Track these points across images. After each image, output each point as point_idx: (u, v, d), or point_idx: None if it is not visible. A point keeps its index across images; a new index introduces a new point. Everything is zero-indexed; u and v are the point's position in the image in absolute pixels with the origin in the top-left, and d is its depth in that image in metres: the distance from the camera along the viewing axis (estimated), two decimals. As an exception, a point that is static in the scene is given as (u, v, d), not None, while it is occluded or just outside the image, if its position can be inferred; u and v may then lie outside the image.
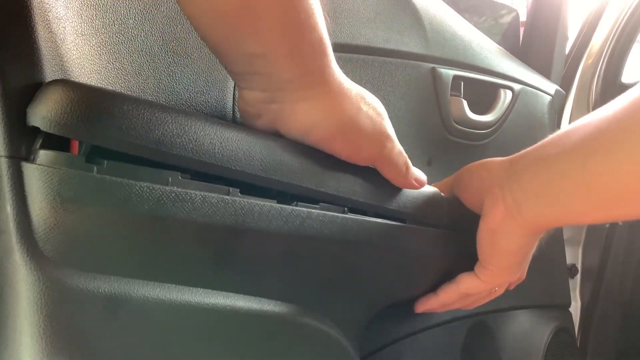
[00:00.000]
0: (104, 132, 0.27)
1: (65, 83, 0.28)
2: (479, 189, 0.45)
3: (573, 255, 1.10)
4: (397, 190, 0.43)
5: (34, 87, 0.28)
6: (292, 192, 0.36)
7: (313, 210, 0.36)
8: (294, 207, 0.35)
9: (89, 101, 0.27)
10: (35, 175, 0.27)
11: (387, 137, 0.40)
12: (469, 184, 0.47)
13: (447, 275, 0.48)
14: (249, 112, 0.37)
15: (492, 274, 0.46)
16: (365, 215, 0.41)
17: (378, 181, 0.41)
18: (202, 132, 0.31)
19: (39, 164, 0.27)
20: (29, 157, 0.27)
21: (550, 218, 0.41)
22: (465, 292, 0.48)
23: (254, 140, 0.34)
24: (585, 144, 0.36)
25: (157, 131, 0.29)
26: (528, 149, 0.42)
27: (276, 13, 0.32)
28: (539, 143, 0.41)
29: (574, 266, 1.09)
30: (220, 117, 0.41)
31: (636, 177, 0.34)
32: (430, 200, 0.46)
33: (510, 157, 0.44)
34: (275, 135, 0.37)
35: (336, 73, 0.37)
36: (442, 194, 0.48)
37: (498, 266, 0.45)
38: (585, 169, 0.36)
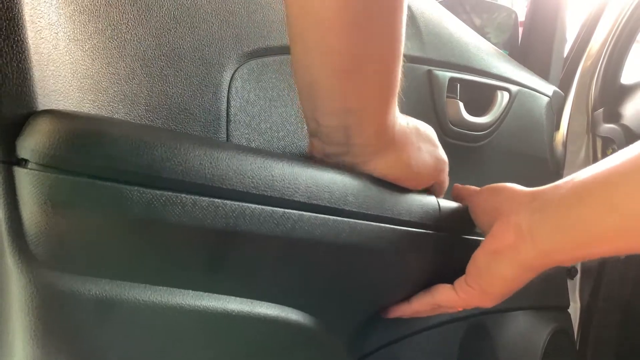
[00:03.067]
0: (92, 162, 0.28)
1: (52, 114, 0.28)
2: (492, 211, 0.44)
3: (572, 256, 1.10)
4: (390, 194, 0.43)
5: (25, 93, 0.28)
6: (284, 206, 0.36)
7: (304, 213, 0.37)
8: (285, 210, 0.35)
9: (77, 132, 0.28)
10: (26, 179, 0.27)
11: (443, 162, 0.46)
12: (486, 203, 0.46)
13: (441, 278, 0.49)
14: (316, 158, 0.42)
15: (472, 294, 0.45)
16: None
17: (370, 187, 0.41)
18: (191, 154, 0.31)
19: (30, 169, 0.27)
20: (21, 162, 0.27)
21: (563, 247, 0.39)
22: (439, 303, 0.47)
23: (244, 158, 0.34)
24: (618, 168, 0.35)
25: (146, 156, 0.29)
26: (555, 183, 0.41)
27: (380, 73, 0.37)
28: (571, 175, 0.40)
29: (573, 267, 1.09)
30: (214, 120, 0.42)
31: None
32: (424, 204, 0.46)
33: (534, 189, 0.43)
34: (265, 150, 0.37)
35: (400, 122, 0.41)
36: (436, 198, 0.48)
37: (482, 289, 0.44)
38: (613, 191, 0.35)
